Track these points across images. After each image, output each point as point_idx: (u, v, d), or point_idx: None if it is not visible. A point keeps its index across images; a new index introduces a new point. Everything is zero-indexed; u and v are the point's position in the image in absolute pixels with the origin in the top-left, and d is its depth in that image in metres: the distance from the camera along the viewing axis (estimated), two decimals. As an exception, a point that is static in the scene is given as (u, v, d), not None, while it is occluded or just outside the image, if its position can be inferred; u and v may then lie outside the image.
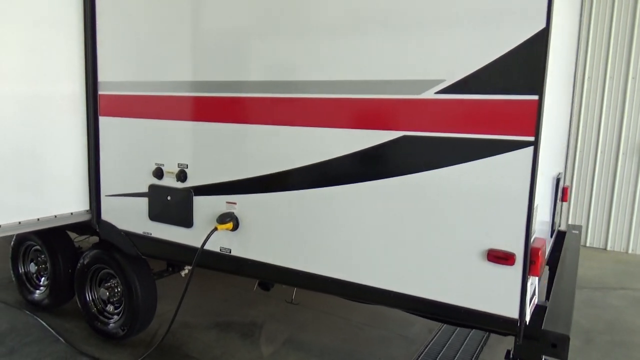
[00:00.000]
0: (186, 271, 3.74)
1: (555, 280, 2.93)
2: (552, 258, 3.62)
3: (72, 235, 4.09)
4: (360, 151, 2.46)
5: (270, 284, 3.56)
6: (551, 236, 3.40)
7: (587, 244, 6.77)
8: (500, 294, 2.20)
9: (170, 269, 3.83)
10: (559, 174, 3.56)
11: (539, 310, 2.40)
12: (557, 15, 2.18)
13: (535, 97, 2.05)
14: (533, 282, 2.28)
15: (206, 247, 2.97)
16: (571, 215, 6.81)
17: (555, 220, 3.51)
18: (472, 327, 2.61)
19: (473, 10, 2.14)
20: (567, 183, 6.74)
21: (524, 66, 2.06)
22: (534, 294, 2.42)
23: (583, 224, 6.75)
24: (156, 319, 3.72)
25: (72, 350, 3.56)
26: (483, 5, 2.12)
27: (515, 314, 2.18)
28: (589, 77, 6.48)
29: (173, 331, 3.87)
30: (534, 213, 2.24)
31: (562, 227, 4.29)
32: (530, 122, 2.07)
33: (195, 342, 3.75)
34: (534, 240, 2.29)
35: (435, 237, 2.33)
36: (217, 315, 4.23)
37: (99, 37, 3.35)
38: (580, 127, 6.61)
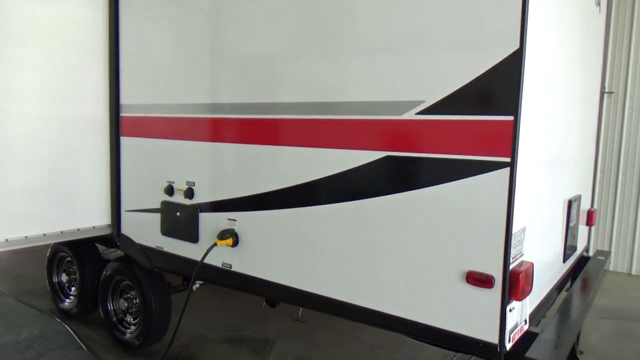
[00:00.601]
0: (198, 285, 3.87)
1: (560, 307, 2.81)
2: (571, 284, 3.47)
3: (101, 248, 4.34)
4: (345, 172, 2.50)
5: (276, 301, 3.62)
6: (564, 261, 3.25)
7: (633, 272, 6.36)
8: (480, 317, 2.15)
9: (185, 283, 3.98)
10: (576, 196, 3.42)
11: (529, 337, 2.32)
12: (538, 34, 2.15)
13: (511, 118, 2.03)
14: (516, 306, 2.21)
15: (209, 262, 3.08)
16: (614, 241, 6.43)
17: (571, 244, 3.36)
18: (454, 351, 2.54)
19: (450, 32, 2.16)
20: (608, 207, 6.39)
21: (499, 87, 2.05)
22: (524, 319, 2.34)
23: (627, 250, 6.36)
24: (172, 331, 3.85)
25: (91, 357, 3.76)
26: (460, 28, 2.13)
27: (494, 339, 2.12)
28: (630, 96, 6.17)
29: (186, 344, 3.99)
30: (518, 235, 2.19)
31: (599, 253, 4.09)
32: (506, 142, 2.04)
33: (207, 355, 3.85)
34: (520, 264, 2.23)
35: (418, 258, 2.31)
36: (232, 330, 4.32)
37: (121, 61, 3.61)
38: (622, 149, 6.28)
